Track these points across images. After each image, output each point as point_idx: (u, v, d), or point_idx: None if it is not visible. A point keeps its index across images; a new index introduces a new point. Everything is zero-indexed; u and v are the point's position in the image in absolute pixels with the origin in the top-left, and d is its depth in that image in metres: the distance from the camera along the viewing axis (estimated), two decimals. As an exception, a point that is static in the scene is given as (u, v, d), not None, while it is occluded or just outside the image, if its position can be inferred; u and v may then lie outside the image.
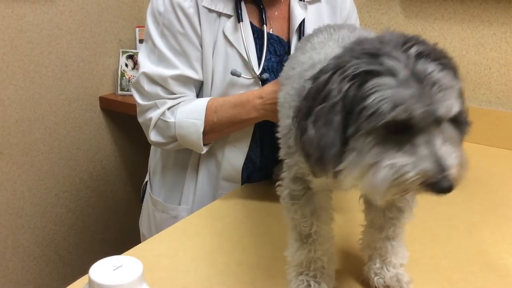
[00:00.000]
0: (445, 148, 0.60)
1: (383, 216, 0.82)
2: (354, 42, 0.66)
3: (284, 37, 1.24)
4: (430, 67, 0.59)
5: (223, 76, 1.19)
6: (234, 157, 1.24)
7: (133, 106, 2.11)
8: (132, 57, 2.24)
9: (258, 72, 1.18)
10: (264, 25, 1.20)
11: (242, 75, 1.17)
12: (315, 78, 0.65)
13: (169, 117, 1.18)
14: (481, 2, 1.60)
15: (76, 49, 2.08)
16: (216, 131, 1.21)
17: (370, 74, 0.59)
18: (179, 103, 1.19)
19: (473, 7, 1.62)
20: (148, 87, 1.19)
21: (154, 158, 1.40)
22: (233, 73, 1.16)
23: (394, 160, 0.59)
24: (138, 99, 1.23)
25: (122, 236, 2.45)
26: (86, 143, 2.21)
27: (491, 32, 1.61)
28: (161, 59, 1.18)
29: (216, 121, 1.18)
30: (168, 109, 1.19)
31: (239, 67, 1.18)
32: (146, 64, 1.19)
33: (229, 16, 1.17)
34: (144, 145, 2.44)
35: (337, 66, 0.62)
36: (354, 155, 0.61)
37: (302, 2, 1.24)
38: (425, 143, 0.59)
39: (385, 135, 0.60)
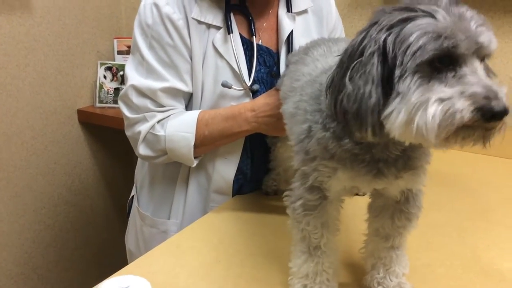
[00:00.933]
0: (486, 75, 0.61)
1: (391, 225, 0.82)
2: (380, 8, 0.66)
3: (273, 48, 1.24)
4: (463, 10, 0.61)
5: (213, 88, 1.18)
6: (225, 169, 1.23)
7: (112, 118, 2.10)
8: (110, 68, 2.21)
9: (249, 83, 1.17)
10: (254, 36, 1.20)
11: (233, 86, 1.16)
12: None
13: (159, 131, 1.17)
14: (460, 12, 1.64)
15: (53, 61, 2.03)
16: (207, 144, 1.19)
17: (408, 20, 0.60)
18: (169, 116, 1.18)
19: (452, 17, 1.65)
20: (136, 100, 1.17)
21: (141, 171, 1.38)
22: (224, 85, 1.15)
23: (442, 94, 0.58)
24: (126, 112, 1.20)
25: (103, 252, 2.39)
26: (64, 157, 2.16)
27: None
28: (149, 71, 1.16)
29: (208, 134, 1.17)
30: (158, 122, 1.17)
31: (229, 78, 1.17)
32: (134, 76, 1.17)
33: (218, 28, 1.17)
34: (124, 159, 2.41)
35: (370, 24, 0.63)
36: (399, 99, 0.60)
37: (290, 14, 1.24)
38: (471, 73, 0.59)
39: (430, 73, 0.59)
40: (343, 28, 1.42)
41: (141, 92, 1.16)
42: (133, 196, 1.44)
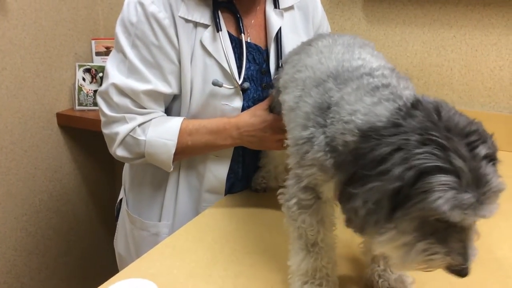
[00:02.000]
0: (472, 240, 0.65)
1: None
2: (413, 107, 0.65)
3: (261, 45, 1.23)
4: (490, 171, 0.61)
5: (202, 87, 1.16)
6: (218, 168, 1.22)
7: (92, 121, 2.06)
8: (89, 70, 2.17)
9: (239, 81, 1.16)
10: (242, 34, 1.18)
11: (223, 85, 1.15)
12: (364, 136, 0.65)
13: (140, 135, 1.15)
14: (441, 6, 1.66)
15: (31, 64, 1.98)
16: (189, 153, 1.20)
17: (436, 169, 0.59)
18: (151, 120, 1.16)
19: (433, 11, 1.68)
20: (117, 98, 1.15)
21: (129, 174, 1.35)
22: (215, 84, 1.14)
23: (428, 245, 0.64)
24: (105, 109, 1.17)
25: (87, 258, 2.35)
26: (44, 162, 2.11)
27: (451, 35, 1.67)
28: (132, 71, 1.14)
29: (191, 144, 1.16)
30: (139, 125, 1.15)
31: (218, 77, 1.16)
32: (116, 74, 1.15)
33: (206, 26, 1.15)
34: (105, 162, 2.37)
35: (399, 145, 0.61)
36: (395, 232, 0.64)
37: (277, 10, 1.23)
38: (460, 237, 0.64)
39: (428, 222, 0.63)
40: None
41: (122, 92, 1.14)
42: (121, 199, 1.41)
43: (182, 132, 1.15)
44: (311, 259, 0.83)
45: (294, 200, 0.82)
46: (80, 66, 2.15)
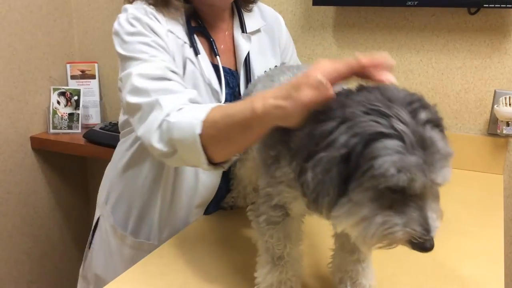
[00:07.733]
0: (432, 211, 0.63)
1: None
2: (358, 90, 0.67)
3: (232, 69, 1.26)
4: (434, 135, 0.61)
5: None
6: (210, 179, 1.22)
7: (67, 144, 2.06)
8: (64, 93, 2.17)
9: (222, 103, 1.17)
10: (218, 57, 1.19)
11: None
12: (313, 117, 0.67)
13: (173, 117, 0.93)
14: (407, 31, 1.72)
15: (5, 88, 1.98)
16: (219, 137, 0.86)
17: (380, 135, 0.61)
18: (185, 104, 0.97)
19: (400, 36, 1.74)
20: (147, 84, 1.00)
21: (116, 188, 1.32)
22: None
23: (387, 218, 0.62)
24: (139, 100, 1.00)
25: (61, 283, 2.31)
26: (17, 186, 2.09)
27: (418, 59, 1.73)
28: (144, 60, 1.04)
29: (219, 120, 0.86)
30: (172, 110, 0.95)
31: (205, 96, 1.16)
32: (134, 69, 1.03)
33: (189, 47, 1.16)
34: (80, 185, 2.36)
35: (344, 117, 0.63)
36: (351, 205, 0.63)
37: (245, 34, 1.26)
38: (417, 207, 0.62)
39: (383, 193, 0.62)
40: (295, 47, 1.46)
41: (147, 76, 1.01)
42: (99, 218, 1.38)
43: (212, 110, 0.89)
44: (276, 272, 0.85)
45: (264, 217, 0.84)
46: (54, 89, 2.16)
